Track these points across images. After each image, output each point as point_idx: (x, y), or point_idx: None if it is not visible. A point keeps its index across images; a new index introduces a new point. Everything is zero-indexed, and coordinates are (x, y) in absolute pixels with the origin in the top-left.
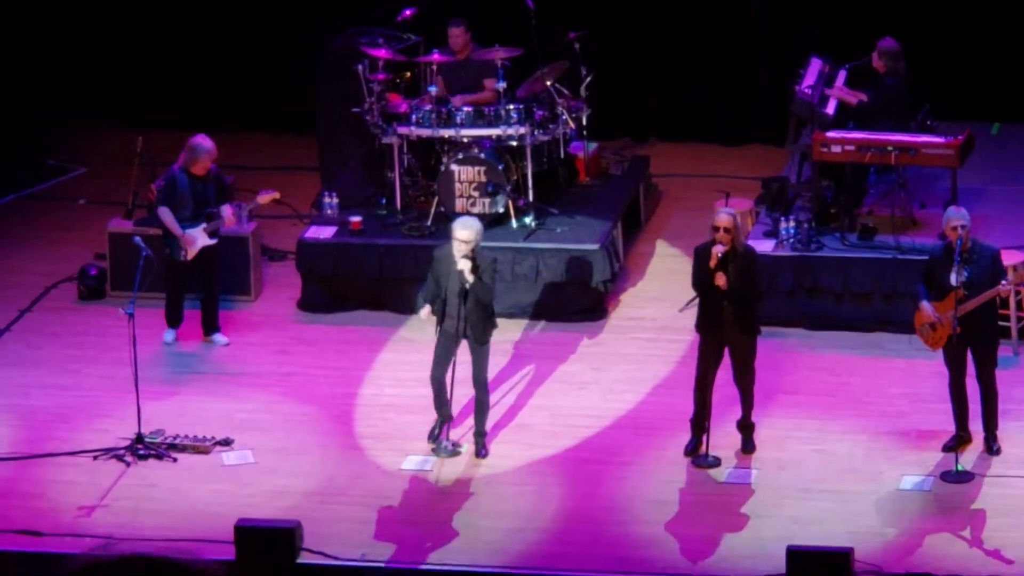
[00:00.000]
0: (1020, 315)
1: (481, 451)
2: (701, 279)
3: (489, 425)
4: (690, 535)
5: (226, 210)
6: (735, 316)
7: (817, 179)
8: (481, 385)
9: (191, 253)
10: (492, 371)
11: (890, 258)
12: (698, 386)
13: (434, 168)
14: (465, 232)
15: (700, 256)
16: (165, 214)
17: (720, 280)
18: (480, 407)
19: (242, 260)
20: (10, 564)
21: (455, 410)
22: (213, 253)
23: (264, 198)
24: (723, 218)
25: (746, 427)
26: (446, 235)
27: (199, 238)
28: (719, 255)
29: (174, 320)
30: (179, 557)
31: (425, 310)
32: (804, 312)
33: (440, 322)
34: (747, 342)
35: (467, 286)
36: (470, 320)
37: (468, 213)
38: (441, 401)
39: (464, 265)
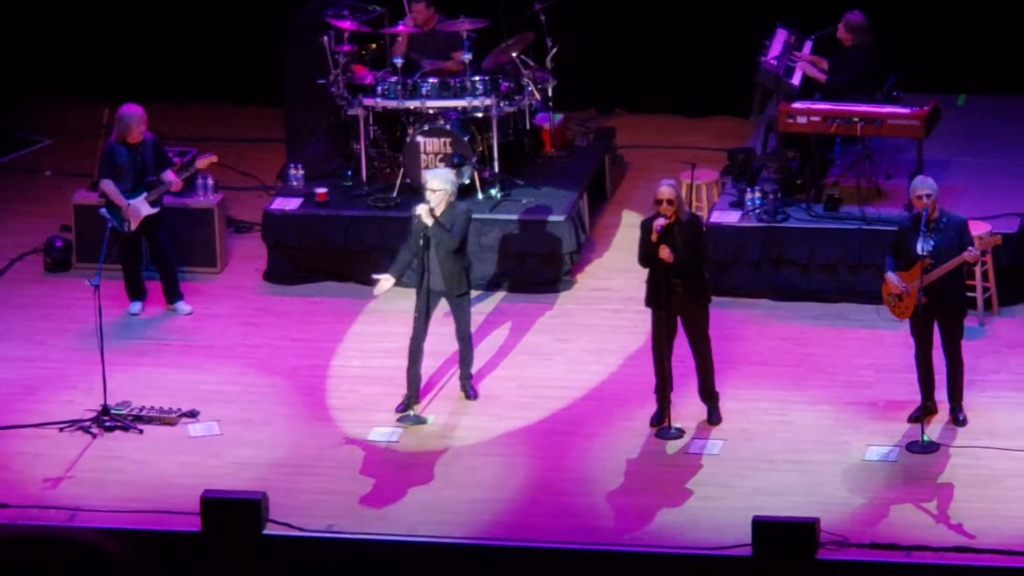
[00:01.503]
0: (986, 285)
1: (470, 392)
2: (646, 253)
3: (455, 396)
4: (656, 506)
5: (168, 175)
6: (684, 287)
7: (783, 150)
8: (464, 339)
9: (134, 224)
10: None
11: (856, 229)
12: (655, 359)
13: (400, 140)
14: (435, 182)
15: (645, 229)
16: (108, 186)
17: (664, 253)
18: (464, 359)
19: (207, 232)
20: None
21: (425, 378)
22: (158, 221)
23: (203, 162)
24: (664, 190)
25: (710, 397)
26: (412, 206)
27: (142, 208)
28: (659, 228)
29: (136, 294)
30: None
31: (385, 280)
32: (770, 283)
33: (420, 281)
34: (698, 311)
35: (426, 232)
36: (443, 272)
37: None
38: (413, 371)
39: (422, 209)
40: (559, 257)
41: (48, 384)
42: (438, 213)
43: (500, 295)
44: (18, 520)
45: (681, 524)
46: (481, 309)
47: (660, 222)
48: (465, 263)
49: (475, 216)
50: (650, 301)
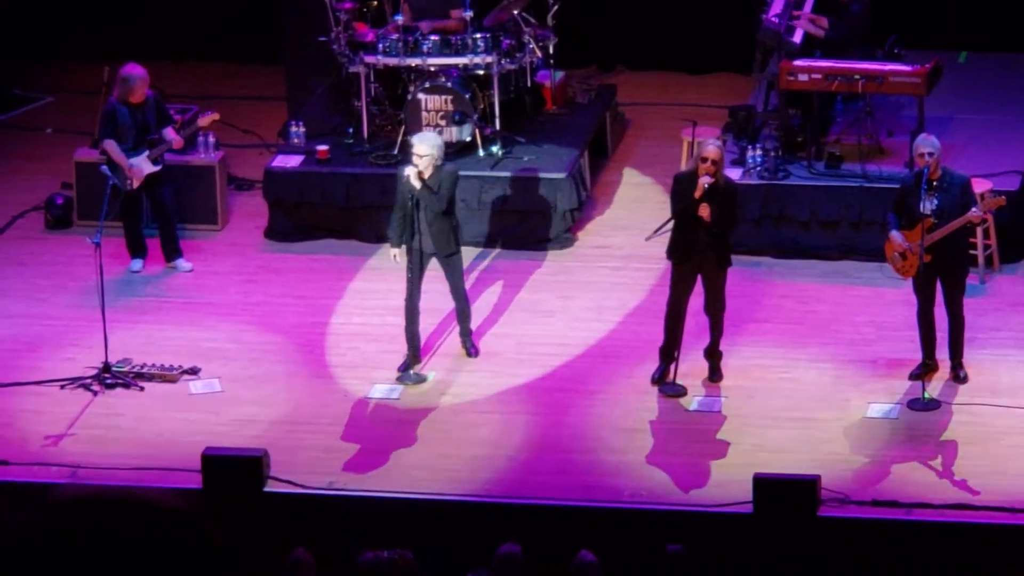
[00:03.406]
0: (988, 243)
1: (471, 349)
2: (684, 208)
3: (455, 353)
4: (657, 463)
5: (169, 133)
6: (712, 248)
7: (784, 108)
8: (460, 296)
9: (136, 182)
10: None
11: (857, 186)
12: (670, 315)
13: (401, 97)
14: (423, 147)
15: (682, 184)
16: (111, 146)
17: (705, 211)
18: (462, 315)
19: (208, 189)
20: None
21: (424, 336)
22: (159, 179)
23: (204, 120)
24: (712, 150)
25: (714, 355)
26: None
27: (144, 166)
28: (705, 187)
29: (137, 251)
30: (147, 496)
31: (394, 251)
32: (771, 240)
33: (409, 242)
34: (720, 273)
35: (414, 193)
36: (432, 232)
37: None
38: (412, 331)
39: (411, 171)
40: (560, 214)
41: (49, 341)
42: (426, 176)
43: (500, 252)
44: (33, 478)
45: (682, 481)
46: (480, 266)
47: (706, 180)
48: (454, 223)
49: (476, 173)
50: (674, 255)
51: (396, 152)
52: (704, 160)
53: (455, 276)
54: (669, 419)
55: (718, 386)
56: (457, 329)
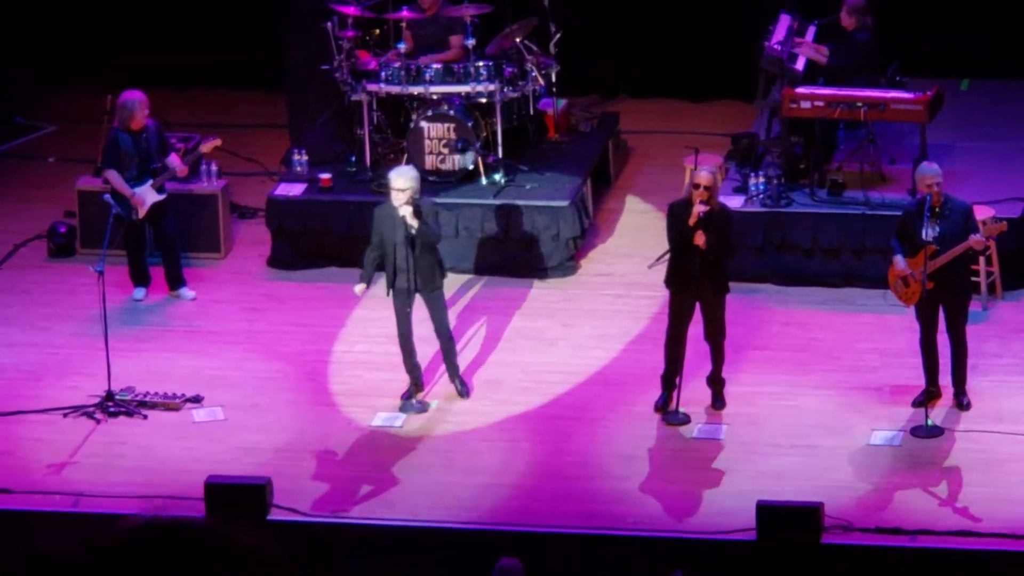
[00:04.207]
0: (990, 270)
1: (463, 389)
2: (680, 236)
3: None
4: (660, 491)
5: (174, 160)
6: (709, 275)
7: (786, 135)
8: (444, 333)
9: (142, 212)
10: (462, 327)
11: (859, 214)
12: (670, 343)
13: (403, 125)
14: (401, 180)
15: (676, 214)
16: (113, 176)
17: (700, 239)
18: (448, 354)
19: (211, 217)
20: (51, 523)
21: (425, 363)
22: (163, 209)
23: (207, 146)
24: (704, 176)
25: (716, 383)
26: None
27: (149, 195)
28: (700, 215)
29: (140, 279)
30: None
31: (360, 287)
32: (774, 268)
33: (391, 282)
34: (718, 299)
35: (412, 231)
36: (419, 269)
37: (437, 170)
38: (411, 363)
39: (406, 211)
40: (563, 242)
41: (52, 370)
42: (410, 209)
43: (503, 280)
44: (69, 508)
45: (685, 509)
46: (483, 294)
47: (701, 208)
48: (438, 257)
49: (479, 201)
50: (672, 283)
51: None
52: (697, 187)
53: (439, 311)
54: (672, 446)
55: (721, 413)
56: (446, 374)
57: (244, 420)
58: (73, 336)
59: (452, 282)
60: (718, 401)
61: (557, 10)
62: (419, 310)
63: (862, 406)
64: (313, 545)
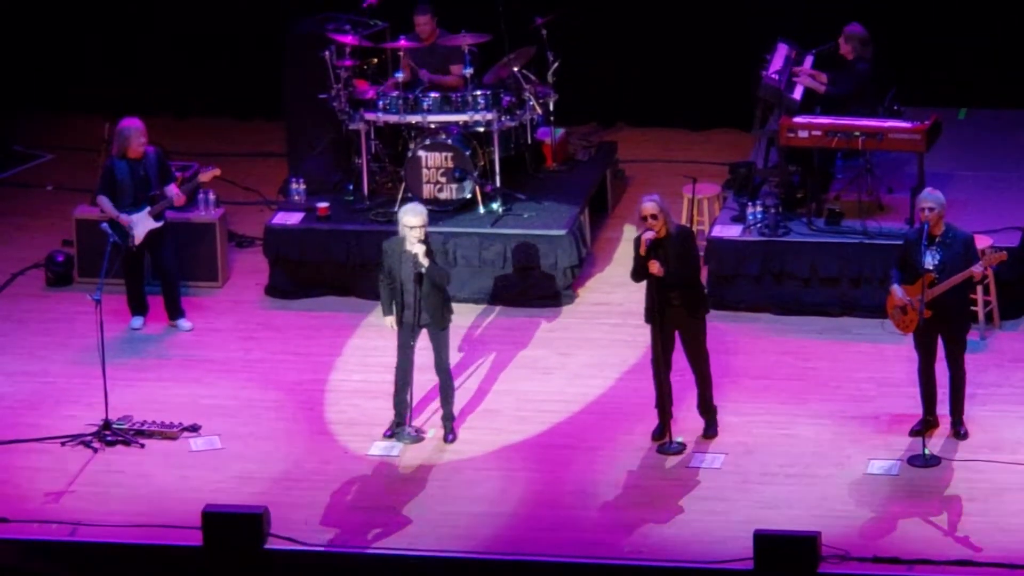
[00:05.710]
0: (988, 299)
1: (449, 436)
2: (637, 267)
3: (456, 409)
4: (657, 519)
5: (172, 190)
6: (680, 300)
7: (784, 164)
8: (444, 371)
9: (138, 238)
10: (460, 356)
11: (857, 243)
12: (654, 373)
13: (401, 154)
14: (414, 219)
15: (637, 245)
16: (103, 202)
17: (654, 268)
18: (445, 393)
19: (209, 246)
20: (48, 552)
21: (418, 396)
22: (161, 238)
23: (206, 175)
24: (647, 206)
25: (708, 410)
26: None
27: (142, 222)
28: (647, 242)
29: (138, 309)
30: None
31: (390, 320)
32: (771, 297)
33: (399, 315)
34: (695, 324)
35: (422, 270)
36: (427, 306)
37: (435, 199)
38: (400, 398)
39: (418, 249)
40: (560, 271)
41: (49, 399)
42: (422, 248)
43: (501, 309)
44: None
45: (682, 538)
46: (481, 323)
47: (648, 236)
48: (446, 296)
49: (477, 230)
50: (647, 316)
51: (396, 209)
52: (644, 219)
53: (443, 350)
54: (669, 476)
55: (718, 442)
56: (440, 413)
57: (241, 449)
58: (71, 365)
59: None
60: (710, 429)
61: (554, 39)
62: (421, 341)
63: (860, 435)
64: (310, 574)
